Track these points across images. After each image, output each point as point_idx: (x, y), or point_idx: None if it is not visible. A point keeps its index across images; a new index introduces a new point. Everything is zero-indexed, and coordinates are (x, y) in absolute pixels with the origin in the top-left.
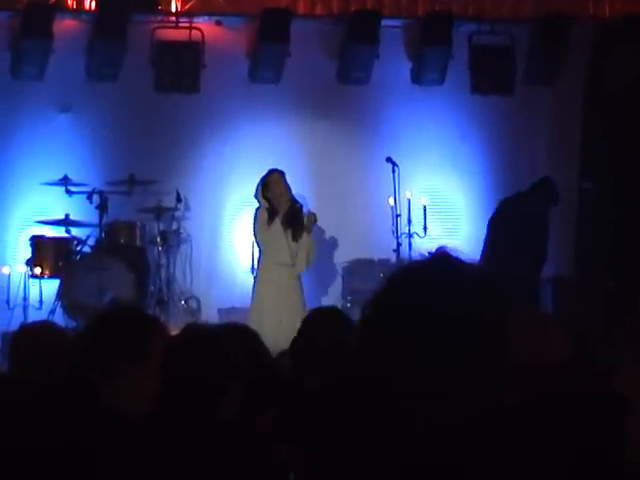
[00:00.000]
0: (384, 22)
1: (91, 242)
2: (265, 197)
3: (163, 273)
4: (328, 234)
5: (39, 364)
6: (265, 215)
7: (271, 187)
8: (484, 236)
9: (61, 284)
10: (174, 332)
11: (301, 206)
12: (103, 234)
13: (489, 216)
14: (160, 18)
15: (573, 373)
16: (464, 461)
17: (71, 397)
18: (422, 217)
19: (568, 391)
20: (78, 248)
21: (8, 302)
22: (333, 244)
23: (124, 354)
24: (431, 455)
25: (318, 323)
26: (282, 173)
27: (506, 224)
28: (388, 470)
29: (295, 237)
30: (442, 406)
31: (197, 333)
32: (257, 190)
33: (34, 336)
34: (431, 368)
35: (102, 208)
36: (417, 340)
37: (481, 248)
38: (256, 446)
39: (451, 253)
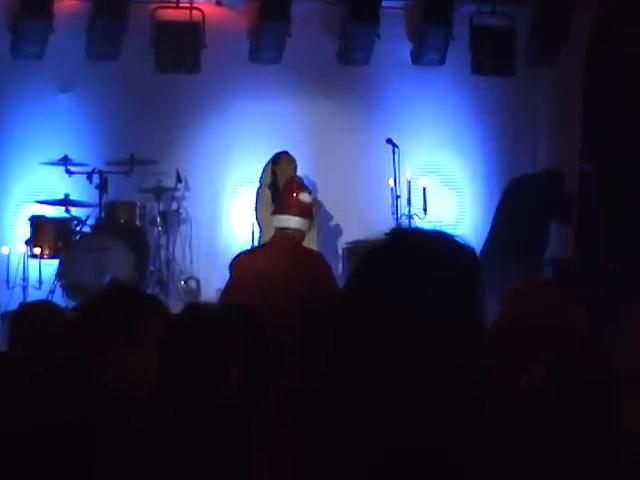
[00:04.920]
0: (385, 3)
1: (91, 222)
2: (273, 170)
3: (163, 253)
4: (328, 215)
5: (38, 343)
6: (268, 193)
7: (281, 165)
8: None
9: (61, 264)
10: (173, 312)
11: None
12: (103, 214)
13: (490, 196)
14: None
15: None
16: (451, 440)
17: (68, 376)
18: (422, 198)
19: (585, 369)
20: (78, 228)
21: (7, 282)
22: (333, 225)
23: (119, 332)
24: (416, 432)
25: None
26: (293, 160)
27: (512, 208)
28: (373, 450)
29: None
30: (423, 380)
31: (198, 312)
32: (266, 165)
33: (33, 315)
34: (404, 339)
35: (102, 188)
36: (389, 314)
37: (488, 229)
38: (254, 426)
39: (406, 228)
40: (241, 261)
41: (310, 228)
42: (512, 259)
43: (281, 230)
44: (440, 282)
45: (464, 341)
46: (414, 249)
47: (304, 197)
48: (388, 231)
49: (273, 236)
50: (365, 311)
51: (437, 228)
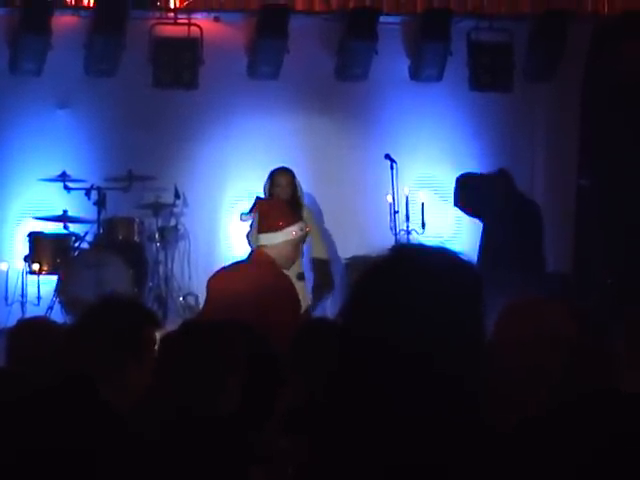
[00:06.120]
0: (383, 18)
1: (89, 238)
2: (270, 194)
3: (161, 269)
4: (327, 231)
5: (35, 359)
6: None
7: (276, 187)
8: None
9: (59, 280)
10: (172, 329)
11: (300, 207)
12: (101, 230)
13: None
14: (158, 14)
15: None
16: (453, 456)
17: (69, 392)
18: (420, 213)
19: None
20: (76, 244)
21: (6, 298)
22: (331, 240)
23: (124, 349)
24: (414, 447)
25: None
26: (288, 174)
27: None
28: (375, 466)
29: None
30: (425, 396)
31: (196, 329)
32: (264, 185)
33: (31, 331)
34: (407, 356)
35: (100, 204)
36: (391, 331)
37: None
38: (253, 440)
39: (411, 245)
40: (216, 279)
41: (276, 240)
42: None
43: (256, 248)
44: (441, 299)
45: (466, 358)
46: (415, 266)
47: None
48: (390, 247)
49: (249, 253)
50: (367, 328)
51: (439, 245)
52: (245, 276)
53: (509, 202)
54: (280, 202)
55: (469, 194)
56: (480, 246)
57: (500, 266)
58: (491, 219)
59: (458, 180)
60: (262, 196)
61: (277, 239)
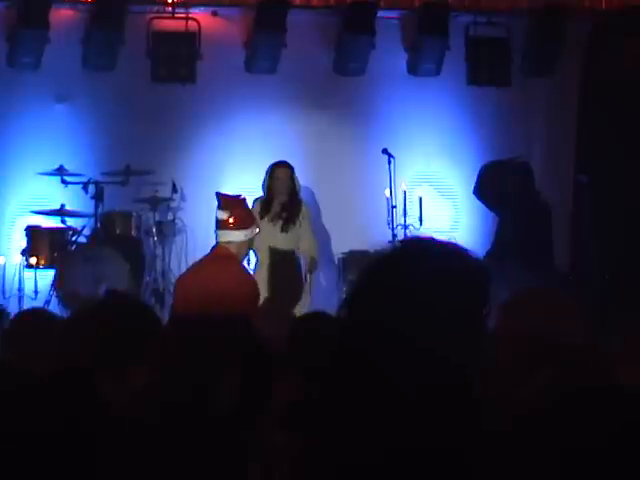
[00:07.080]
0: (380, 13)
1: (86, 232)
2: (269, 187)
3: (158, 263)
4: (324, 225)
5: (33, 351)
6: (258, 208)
7: (276, 181)
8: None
9: (56, 274)
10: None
11: (299, 201)
12: (99, 224)
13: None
14: (156, 8)
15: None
16: (452, 444)
17: (66, 386)
18: (418, 208)
19: (585, 376)
20: (73, 238)
21: (3, 292)
22: (329, 235)
23: (123, 348)
24: (412, 441)
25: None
26: (288, 166)
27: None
28: (370, 458)
29: (285, 228)
30: (421, 385)
31: (191, 323)
32: (264, 178)
33: (29, 323)
34: (409, 347)
35: (98, 198)
36: (394, 322)
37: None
38: (247, 436)
39: (422, 238)
40: (181, 279)
41: (247, 235)
42: (523, 262)
43: (218, 244)
44: (445, 291)
45: (468, 349)
46: (420, 259)
47: (218, 214)
48: (398, 240)
49: (211, 249)
50: (370, 319)
51: (450, 240)
52: (212, 271)
53: (525, 198)
54: (243, 201)
55: (489, 186)
56: (494, 239)
57: (508, 260)
58: (506, 213)
59: (481, 170)
60: (222, 192)
61: (240, 237)
